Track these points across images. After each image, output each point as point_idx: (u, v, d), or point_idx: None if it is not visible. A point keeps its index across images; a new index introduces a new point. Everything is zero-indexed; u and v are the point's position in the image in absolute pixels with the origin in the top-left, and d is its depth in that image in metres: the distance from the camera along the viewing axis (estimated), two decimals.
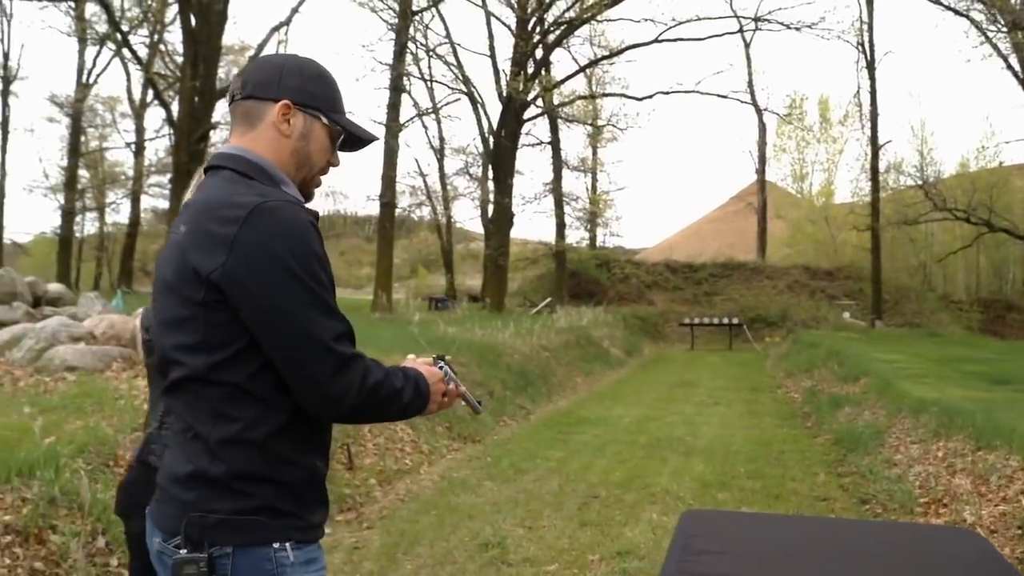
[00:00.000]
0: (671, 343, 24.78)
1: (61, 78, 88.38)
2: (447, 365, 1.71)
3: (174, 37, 27.13)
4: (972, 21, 22.38)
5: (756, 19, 25.30)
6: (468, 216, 54.60)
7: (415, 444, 7.37)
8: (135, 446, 2.32)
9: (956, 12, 22.52)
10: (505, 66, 24.63)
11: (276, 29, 23.15)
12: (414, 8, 22.95)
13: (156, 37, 25.88)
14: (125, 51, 25.30)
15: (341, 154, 1.70)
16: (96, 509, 3.95)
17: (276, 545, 1.44)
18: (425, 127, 32.05)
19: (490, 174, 25.99)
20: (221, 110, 20.27)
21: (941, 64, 73.29)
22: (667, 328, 26.05)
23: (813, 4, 62.72)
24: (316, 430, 1.54)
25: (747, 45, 32.75)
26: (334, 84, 1.66)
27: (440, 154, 32.93)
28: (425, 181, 34.02)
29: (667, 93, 25.69)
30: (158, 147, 33.27)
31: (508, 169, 24.21)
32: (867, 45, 25.77)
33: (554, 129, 29.17)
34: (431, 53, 27.52)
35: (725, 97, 26.00)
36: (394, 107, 22.22)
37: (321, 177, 1.67)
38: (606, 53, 26.56)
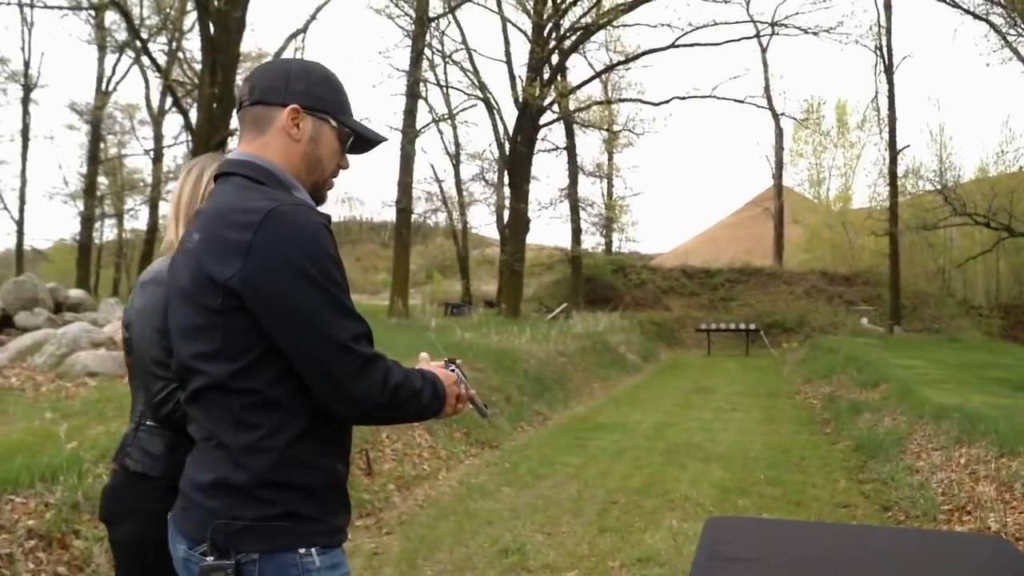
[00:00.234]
0: (687, 349, 24.70)
1: (81, 86, 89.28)
2: (459, 368, 1.72)
3: (192, 44, 27.45)
4: (992, 25, 22.20)
5: (773, 24, 25.18)
6: (484, 222, 54.84)
7: (433, 449, 7.37)
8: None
9: (975, 16, 22.34)
10: (521, 72, 24.66)
11: (293, 36, 23.28)
12: (430, 14, 23.01)
13: (175, 45, 26.05)
14: (144, 59, 25.51)
15: (352, 157, 1.70)
16: None
17: (302, 550, 1.45)
18: (441, 133, 32.11)
19: (506, 180, 26.00)
20: None
21: (960, 68, 72.76)
22: (683, 334, 25.97)
23: (831, 9, 62.27)
24: (336, 433, 1.55)
25: (764, 50, 32.74)
26: (340, 86, 1.66)
27: (456, 160, 32.97)
28: (441, 187, 34.08)
29: (684, 98, 25.64)
30: (176, 154, 33.50)
31: (524, 175, 24.20)
32: (885, 49, 25.61)
33: (570, 134, 29.16)
34: (447, 59, 27.61)
35: (742, 102, 25.88)
36: (410, 113, 22.28)
37: (333, 180, 1.68)
38: (622, 58, 26.53)
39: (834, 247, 34.04)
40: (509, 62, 25.72)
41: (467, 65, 26.93)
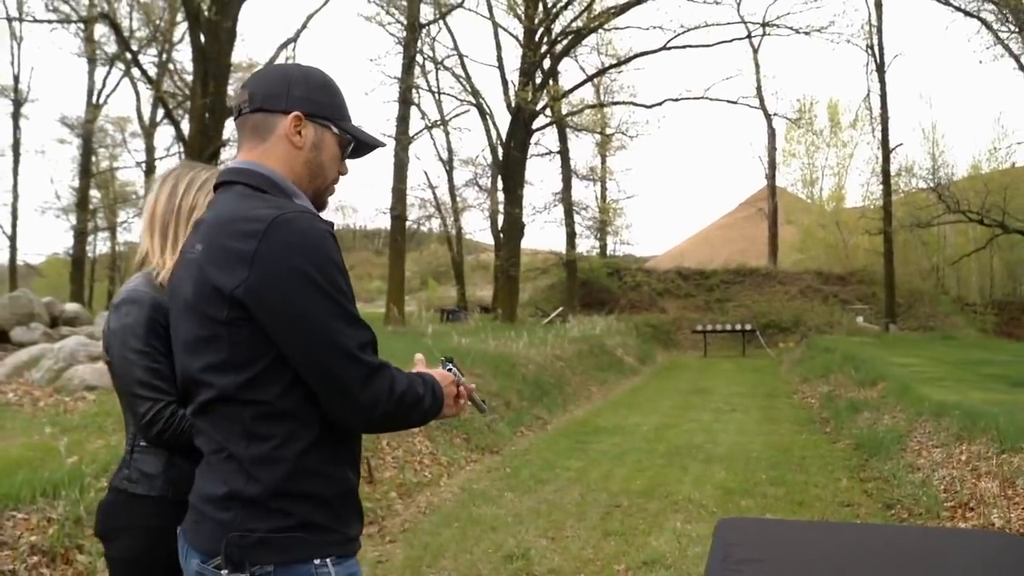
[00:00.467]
0: (684, 350, 24.71)
1: (71, 99, 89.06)
2: (455, 367, 1.72)
3: (183, 56, 27.34)
4: (983, 22, 22.31)
5: (764, 24, 25.28)
6: (478, 227, 54.78)
7: (434, 456, 7.35)
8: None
9: (967, 13, 22.46)
10: (513, 77, 24.72)
11: (284, 46, 23.29)
12: (422, 21, 23.04)
13: (165, 56, 26.06)
14: (135, 71, 25.51)
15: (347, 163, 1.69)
16: None
17: (317, 561, 1.43)
18: (434, 139, 32.26)
19: (500, 185, 26.02)
20: (232, 127, 20.34)
21: (951, 66, 73.07)
22: (680, 335, 26.00)
23: (822, 8, 62.60)
24: (347, 442, 1.54)
25: (755, 51, 32.81)
26: (339, 92, 1.65)
27: (449, 166, 33.07)
28: (435, 193, 34.14)
29: (676, 100, 25.79)
30: (169, 166, 33.43)
31: (518, 179, 24.22)
32: (876, 48, 25.74)
33: (563, 138, 29.22)
34: (439, 65, 27.67)
35: (735, 103, 26.01)
36: (403, 120, 22.31)
37: (334, 187, 1.66)
38: (614, 61, 26.63)
39: (828, 246, 34.17)
40: (501, 67, 25.79)
41: (459, 71, 27.02)
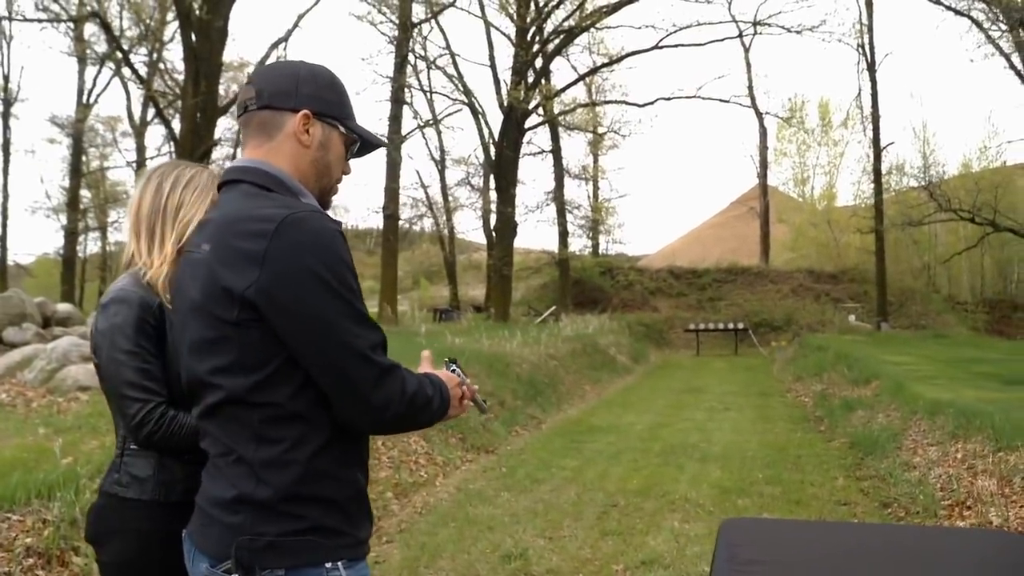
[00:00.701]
0: (676, 349, 24.75)
1: (61, 99, 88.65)
2: (459, 368, 1.72)
3: (173, 55, 27.29)
4: (973, 20, 22.39)
5: (756, 23, 25.31)
6: (470, 227, 54.73)
7: (429, 456, 7.33)
8: None
9: (957, 12, 22.54)
10: (505, 76, 24.71)
11: (275, 45, 23.21)
12: (413, 20, 23.00)
13: (156, 55, 25.94)
14: (125, 70, 25.38)
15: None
16: None
17: (328, 565, 1.42)
18: (426, 139, 32.16)
19: (492, 184, 26.01)
20: (223, 126, 20.30)
21: (942, 65, 73.41)
22: (672, 334, 26.04)
23: (813, 7, 62.78)
24: (356, 444, 1.52)
25: (747, 50, 32.88)
26: (345, 90, 1.63)
27: (441, 165, 33.02)
28: (427, 192, 34.09)
29: (668, 99, 25.79)
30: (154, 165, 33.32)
31: (510, 178, 24.21)
32: (867, 47, 25.84)
33: (555, 137, 29.22)
34: (431, 64, 27.63)
35: (727, 102, 26.05)
36: (395, 119, 22.27)
37: (338, 186, 1.65)
38: (606, 60, 26.61)
39: (820, 245, 34.25)
40: (493, 66, 25.77)
41: (451, 70, 26.97)
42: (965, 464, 5.91)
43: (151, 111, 28.93)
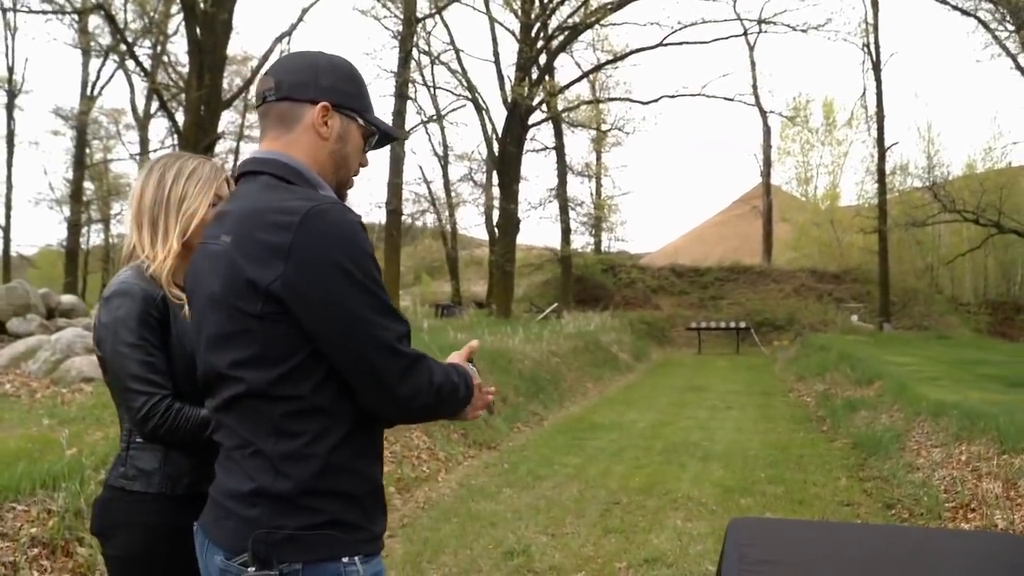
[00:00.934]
0: (678, 347, 24.74)
1: (65, 91, 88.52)
2: (472, 365, 1.72)
3: (177, 48, 27.25)
4: (980, 20, 22.34)
5: (761, 21, 25.24)
6: (472, 223, 54.59)
7: (431, 451, 7.33)
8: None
9: (964, 12, 22.48)
10: (509, 72, 24.63)
11: (279, 39, 23.15)
12: (418, 15, 22.94)
13: (160, 48, 25.92)
14: (129, 62, 25.35)
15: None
16: None
17: (345, 560, 1.41)
18: (429, 134, 32.10)
19: (495, 180, 25.97)
20: (226, 120, 20.29)
21: (947, 65, 73.23)
22: (674, 333, 26.02)
23: (818, 6, 62.55)
24: (374, 438, 1.51)
25: (751, 48, 32.82)
26: (364, 82, 1.63)
27: (444, 161, 32.94)
28: (429, 188, 34.06)
29: (673, 97, 25.69)
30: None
31: (513, 175, 24.16)
32: (873, 46, 25.76)
33: (558, 134, 29.16)
34: (435, 60, 27.58)
35: (731, 100, 25.98)
36: (399, 114, 22.19)
37: (354, 178, 1.64)
38: (610, 57, 26.55)
39: (822, 245, 34.23)
40: (497, 62, 25.71)
41: (455, 66, 26.93)
42: (969, 466, 5.89)
43: (155, 104, 28.90)
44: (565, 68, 47.34)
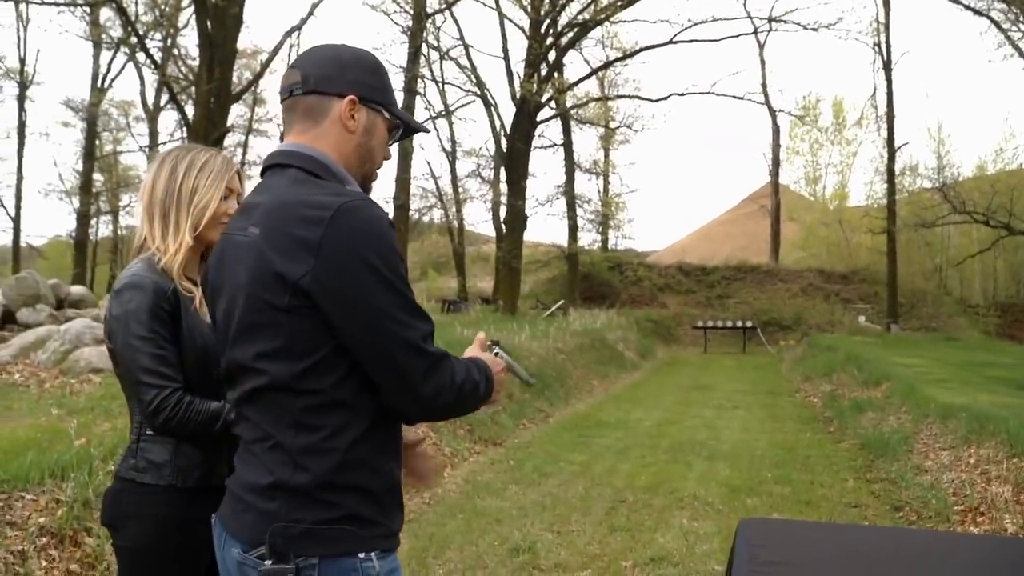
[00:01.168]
0: (684, 346, 24.70)
1: (76, 83, 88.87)
2: (501, 350, 1.75)
3: (188, 41, 27.31)
4: (992, 20, 22.20)
5: (771, 20, 25.12)
6: (480, 219, 54.61)
7: (437, 447, 7.33)
8: None
9: (976, 12, 22.35)
10: (518, 68, 24.60)
11: (289, 33, 23.16)
12: (428, 10, 22.92)
13: (170, 41, 25.95)
14: (140, 55, 25.37)
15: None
16: None
17: (362, 555, 1.41)
18: (437, 130, 32.07)
19: (502, 176, 25.94)
20: (235, 113, 20.30)
21: (958, 65, 72.73)
22: (680, 331, 25.96)
23: (829, 4, 62.28)
24: (392, 434, 1.52)
25: (761, 47, 32.67)
26: (388, 75, 1.63)
27: (452, 156, 32.93)
28: (437, 183, 34.05)
29: (682, 95, 25.55)
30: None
31: (521, 171, 24.13)
32: (884, 46, 25.64)
33: (567, 131, 29.12)
34: (444, 55, 27.55)
35: (741, 99, 25.83)
36: (408, 110, 22.15)
37: (378, 172, 1.64)
38: (620, 55, 26.47)
39: (830, 245, 34.09)
40: (506, 58, 25.68)
41: (464, 61, 26.90)
42: (978, 469, 5.87)
43: (165, 96, 28.97)
44: (574, 65, 47.33)
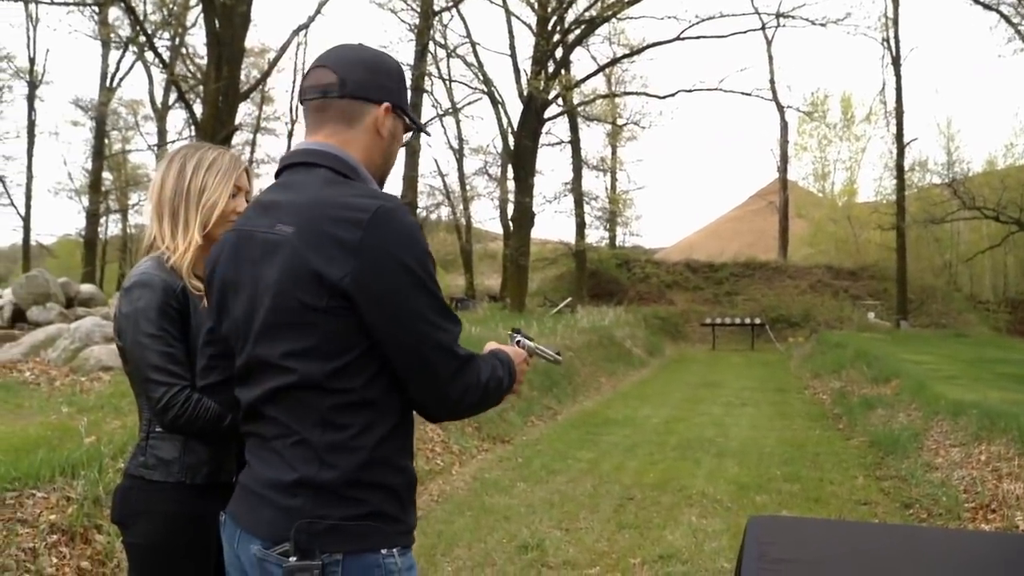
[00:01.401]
0: (692, 343, 24.65)
1: (85, 82, 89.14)
2: (523, 336, 1.80)
3: (196, 40, 27.33)
4: (1002, 15, 22.07)
5: (779, 15, 25.08)
6: (487, 216, 54.65)
7: (446, 444, 7.34)
8: None
9: (985, 6, 22.21)
10: (525, 65, 24.60)
11: (297, 32, 23.18)
12: (435, 8, 22.92)
13: (178, 40, 26.03)
14: (148, 54, 25.45)
15: None
16: None
17: (384, 551, 1.42)
18: (444, 127, 32.12)
19: (510, 173, 25.95)
20: (243, 112, 20.34)
21: (968, 60, 72.44)
22: (688, 328, 25.92)
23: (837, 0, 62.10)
24: (411, 434, 1.54)
25: (769, 42, 32.58)
26: (404, 78, 1.66)
27: (460, 154, 32.96)
28: (444, 181, 34.08)
29: (690, 91, 25.56)
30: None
31: (529, 168, 24.13)
32: (892, 41, 25.53)
33: (574, 128, 29.10)
34: (451, 53, 27.56)
35: (749, 95, 25.82)
36: (415, 108, 22.19)
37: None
38: (627, 51, 26.44)
39: (839, 241, 34.00)
40: (513, 56, 25.67)
41: (471, 59, 26.92)
42: (989, 466, 5.84)
43: (173, 95, 29.09)
44: (581, 62, 47.23)
